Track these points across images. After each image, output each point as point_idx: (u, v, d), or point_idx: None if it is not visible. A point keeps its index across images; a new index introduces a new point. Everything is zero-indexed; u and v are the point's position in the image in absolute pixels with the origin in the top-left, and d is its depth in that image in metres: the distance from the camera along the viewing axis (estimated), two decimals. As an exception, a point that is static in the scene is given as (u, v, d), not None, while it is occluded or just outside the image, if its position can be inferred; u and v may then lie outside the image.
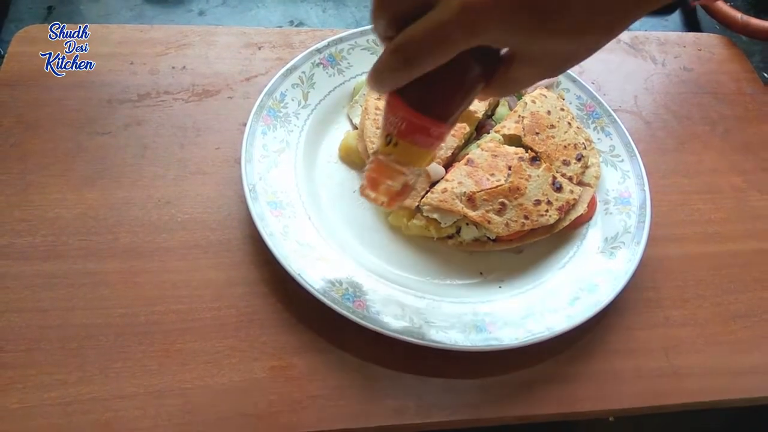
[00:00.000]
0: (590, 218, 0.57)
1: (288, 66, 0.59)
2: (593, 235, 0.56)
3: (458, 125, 0.56)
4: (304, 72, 0.60)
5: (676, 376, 0.51)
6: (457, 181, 0.53)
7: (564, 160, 0.56)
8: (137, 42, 0.64)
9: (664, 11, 0.86)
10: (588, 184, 0.57)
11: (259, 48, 0.66)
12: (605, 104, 0.63)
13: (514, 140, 0.57)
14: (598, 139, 0.61)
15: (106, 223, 0.52)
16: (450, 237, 0.55)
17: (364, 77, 0.62)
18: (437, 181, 0.54)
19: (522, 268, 0.54)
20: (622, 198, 0.57)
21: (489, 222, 0.52)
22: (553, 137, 0.57)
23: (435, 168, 0.54)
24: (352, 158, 0.58)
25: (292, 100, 0.58)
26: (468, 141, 0.58)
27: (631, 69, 0.73)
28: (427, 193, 0.53)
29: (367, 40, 0.63)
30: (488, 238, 0.54)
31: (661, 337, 0.53)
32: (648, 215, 0.55)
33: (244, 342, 0.48)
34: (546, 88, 0.62)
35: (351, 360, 0.48)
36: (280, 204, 0.52)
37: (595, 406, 0.48)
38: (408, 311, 0.48)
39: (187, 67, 0.63)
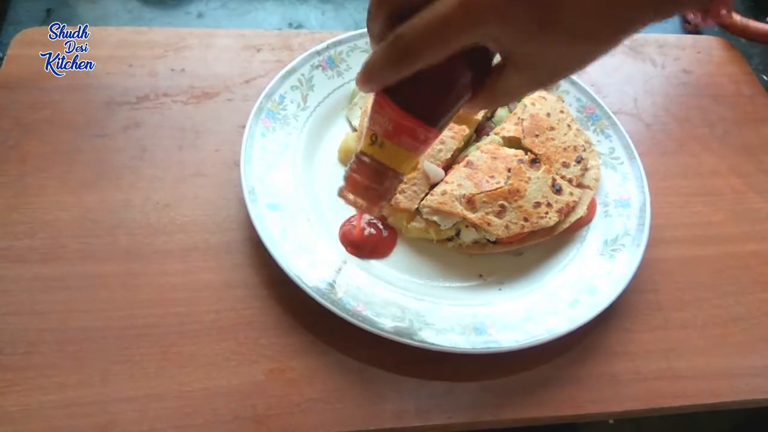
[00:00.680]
0: (590, 220, 0.56)
1: (287, 68, 0.59)
2: (593, 238, 0.56)
3: (458, 127, 0.56)
4: (303, 74, 0.60)
5: (676, 378, 0.51)
6: (457, 183, 0.53)
7: (564, 163, 0.56)
8: (136, 44, 0.64)
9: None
10: (588, 187, 0.57)
11: (258, 50, 0.66)
12: (605, 106, 0.63)
13: (513, 142, 0.57)
14: (598, 141, 0.61)
15: (104, 226, 0.52)
16: (449, 239, 0.54)
17: (363, 79, 0.62)
18: (436, 184, 0.54)
19: (522, 270, 0.54)
20: (622, 200, 0.57)
21: (488, 224, 0.52)
22: (553, 139, 0.57)
23: (434, 170, 0.54)
24: (351, 160, 0.58)
25: (292, 102, 0.58)
26: (467, 143, 0.58)
27: (630, 71, 0.73)
28: (426, 195, 0.53)
29: (366, 43, 0.63)
30: (488, 240, 0.54)
31: (660, 340, 0.53)
32: (648, 217, 0.55)
33: (243, 345, 0.47)
34: (545, 90, 0.62)
35: (350, 363, 0.48)
36: (279, 206, 0.52)
37: (595, 409, 0.48)
38: (407, 313, 0.48)
39: (185, 70, 0.63)
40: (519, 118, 0.57)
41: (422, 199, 0.53)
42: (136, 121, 0.59)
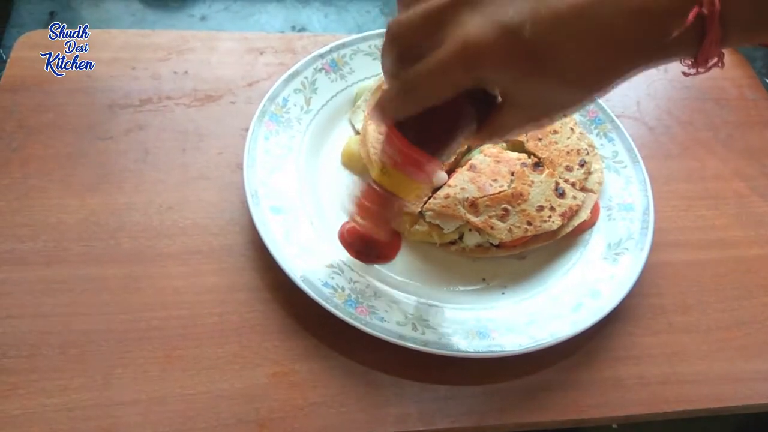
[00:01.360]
0: (593, 224, 0.56)
1: (290, 71, 0.59)
2: (596, 241, 0.56)
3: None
4: (306, 77, 0.60)
5: (680, 382, 0.50)
6: (460, 186, 0.53)
7: (567, 166, 0.56)
8: (139, 47, 0.64)
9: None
10: (591, 190, 0.57)
11: (261, 53, 0.66)
12: (608, 110, 0.63)
13: (516, 146, 0.57)
14: (601, 144, 0.61)
15: (107, 229, 0.52)
16: (453, 243, 0.54)
17: (366, 82, 0.62)
18: (440, 187, 0.54)
19: (525, 274, 0.54)
20: (625, 204, 0.57)
21: (492, 228, 0.52)
22: (556, 143, 0.57)
23: (438, 173, 0.54)
24: (354, 163, 0.58)
25: (295, 105, 0.58)
26: (470, 147, 0.58)
27: (633, 74, 0.73)
28: (429, 198, 0.53)
29: (369, 46, 0.63)
30: (491, 244, 0.54)
31: (664, 344, 0.52)
32: (651, 221, 0.55)
33: (246, 348, 0.47)
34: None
35: (353, 366, 0.48)
36: (283, 209, 0.52)
37: (598, 413, 0.48)
38: (411, 317, 0.48)
39: (189, 72, 0.63)
40: (522, 121, 0.57)
41: (425, 203, 0.53)
42: (139, 123, 0.59)
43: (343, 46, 0.62)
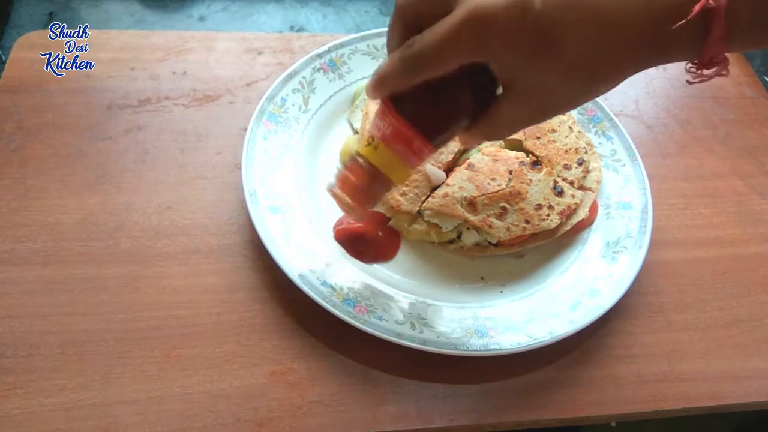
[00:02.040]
0: (592, 223, 0.56)
1: (288, 71, 0.59)
2: (595, 240, 0.56)
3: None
4: (304, 77, 0.60)
5: (678, 380, 0.50)
6: (458, 185, 0.53)
7: (565, 165, 0.56)
8: (138, 47, 0.64)
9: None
10: (589, 189, 0.57)
11: (260, 53, 0.66)
12: (606, 108, 0.63)
13: (514, 144, 0.57)
14: (600, 143, 0.61)
15: (106, 229, 0.52)
16: (451, 242, 0.54)
17: (364, 82, 0.62)
18: (438, 186, 0.54)
19: (523, 272, 0.54)
20: (624, 202, 0.57)
21: (490, 226, 0.52)
22: (554, 141, 0.57)
23: (436, 172, 0.54)
24: (352, 163, 0.58)
25: (293, 105, 0.59)
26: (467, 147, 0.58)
27: (631, 73, 0.73)
28: (428, 197, 0.53)
29: (368, 45, 0.63)
30: (489, 242, 0.54)
31: (663, 342, 0.52)
32: (650, 219, 0.55)
33: (245, 347, 0.47)
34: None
35: (352, 365, 0.48)
36: (281, 209, 0.52)
37: (597, 412, 0.48)
38: (409, 316, 0.48)
39: (187, 73, 0.63)
40: (520, 120, 0.57)
41: (423, 202, 0.53)
42: (138, 124, 0.59)
43: (342, 45, 0.62)
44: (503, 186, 0.53)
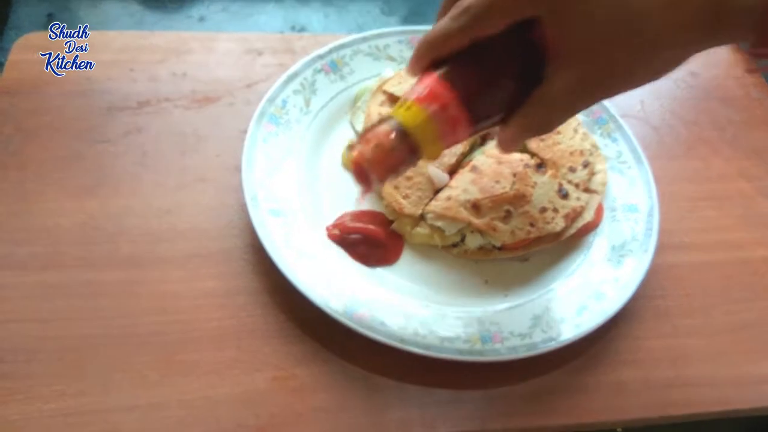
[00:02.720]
0: (597, 226, 0.56)
1: (289, 72, 0.59)
2: (600, 243, 0.55)
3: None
4: (305, 78, 0.59)
5: (685, 386, 0.50)
6: (462, 188, 0.52)
7: (570, 167, 0.55)
8: (137, 49, 0.64)
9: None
10: (595, 191, 0.56)
11: (260, 54, 0.66)
12: (611, 110, 0.62)
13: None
14: (605, 145, 0.61)
15: (105, 233, 0.51)
16: (455, 245, 0.54)
17: (366, 83, 0.61)
18: (441, 189, 0.53)
19: (528, 276, 0.53)
20: (630, 205, 0.57)
21: (494, 230, 0.51)
22: (559, 143, 0.56)
23: (439, 175, 0.53)
24: (354, 165, 0.58)
25: (294, 106, 0.58)
26: (472, 148, 0.57)
27: (636, 73, 0.73)
28: (430, 200, 0.53)
29: (370, 46, 0.63)
30: (493, 246, 0.53)
31: (669, 347, 0.52)
32: (656, 222, 0.55)
33: (246, 352, 0.47)
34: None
35: (354, 371, 0.47)
36: (282, 212, 0.51)
37: (602, 417, 0.48)
38: (412, 321, 0.48)
39: (187, 74, 0.63)
40: (524, 121, 0.57)
41: (426, 205, 0.53)
42: (137, 126, 0.58)
43: (343, 46, 0.62)
44: (507, 189, 0.52)
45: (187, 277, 0.50)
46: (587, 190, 0.56)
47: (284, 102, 0.57)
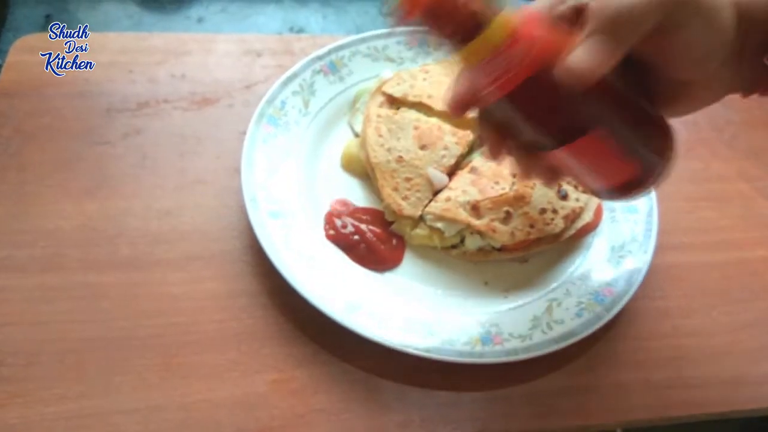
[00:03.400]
0: (596, 226, 0.56)
1: (288, 73, 0.58)
2: (600, 244, 0.55)
3: (462, 132, 0.55)
4: (304, 79, 0.59)
5: (685, 387, 0.50)
6: (461, 189, 0.52)
7: (569, 168, 0.55)
8: (136, 50, 0.64)
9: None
10: (594, 192, 0.56)
11: (259, 55, 0.65)
12: (610, 110, 0.62)
13: (518, 147, 0.56)
14: (603, 145, 0.61)
15: (105, 235, 0.51)
16: (454, 246, 0.54)
17: (365, 84, 0.61)
18: (440, 190, 0.53)
19: (528, 277, 0.54)
20: (629, 206, 0.57)
21: (494, 231, 0.51)
22: (558, 144, 0.56)
23: (438, 176, 0.53)
24: (353, 166, 0.58)
25: (293, 107, 0.58)
26: (471, 149, 0.57)
27: (635, 73, 0.73)
28: (430, 201, 0.53)
29: (368, 47, 0.63)
30: (493, 247, 0.53)
31: (669, 348, 0.52)
32: (655, 223, 0.55)
33: (246, 355, 0.47)
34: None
35: (354, 372, 0.47)
36: (282, 213, 0.51)
37: (603, 419, 0.48)
38: (412, 322, 0.48)
39: (186, 75, 0.62)
40: (524, 122, 0.57)
41: (426, 206, 0.53)
42: (137, 128, 0.58)
43: (342, 47, 0.62)
44: (507, 190, 0.52)
45: (187, 279, 0.50)
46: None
47: (283, 103, 0.57)
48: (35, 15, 0.69)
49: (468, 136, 0.55)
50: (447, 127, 0.55)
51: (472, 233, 0.52)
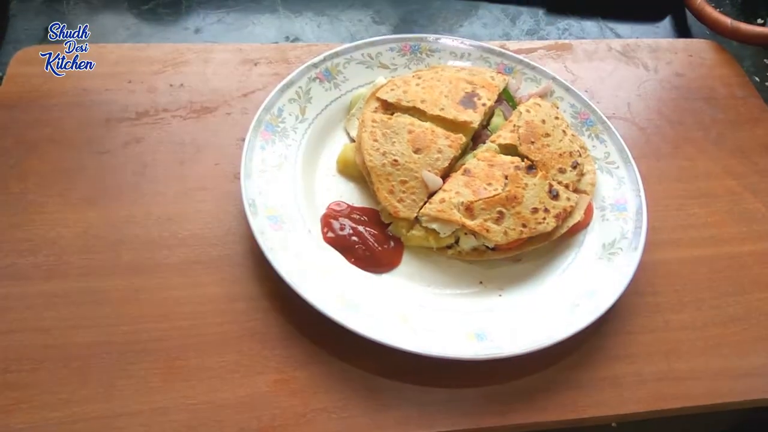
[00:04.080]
0: (587, 225, 0.57)
1: (285, 81, 0.60)
2: (591, 242, 0.56)
3: (455, 136, 0.57)
4: (300, 87, 0.60)
5: (677, 379, 0.51)
6: (455, 191, 0.53)
7: (560, 168, 0.57)
8: (135, 60, 0.65)
9: (654, 17, 0.87)
10: (584, 192, 0.58)
11: (256, 64, 0.67)
12: (599, 112, 0.64)
13: (510, 149, 0.57)
14: (593, 146, 0.62)
15: (107, 242, 0.52)
16: (449, 247, 0.55)
17: (360, 90, 0.63)
18: (435, 192, 0.54)
19: (521, 276, 0.55)
20: (618, 204, 0.58)
21: (487, 231, 0.52)
22: (549, 146, 0.57)
23: (432, 178, 0.54)
24: (350, 171, 0.59)
25: (290, 114, 0.59)
26: (464, 151, 0.58)
27: (623, 76, 0.74)
28: (425, 203, 0.54)
29: (362, 54, 0.64)
30: (487, 247, 0.54)
31: (661, 342, 0.53)
32: (644, 221, 0.56)
33: (247, 356, 0.48)
34: (540, 97, 0.63)
35: (354, 371, 0.48)
36: (280, 218, 0.52)
37: (597, 413, 0.49)
38: (409, 322, 0.49)
39: (184, 85, 0.64)
40: (515, 125, 0.58)
41: (421, 208, 0.54)
42: (137, 137, 0.59)
43: (337, 54, 0.63)
44: (499, 190, 0.53)
45: (188, 283, 0.51)
46: (577, 190, 0.57)
47: (280, 110, 0.59)
48: (34, 27, 0.70)
49: (461, 139, 0.57)
50: (440, 130, 0.56)
51: (466, 233, 0.54)
